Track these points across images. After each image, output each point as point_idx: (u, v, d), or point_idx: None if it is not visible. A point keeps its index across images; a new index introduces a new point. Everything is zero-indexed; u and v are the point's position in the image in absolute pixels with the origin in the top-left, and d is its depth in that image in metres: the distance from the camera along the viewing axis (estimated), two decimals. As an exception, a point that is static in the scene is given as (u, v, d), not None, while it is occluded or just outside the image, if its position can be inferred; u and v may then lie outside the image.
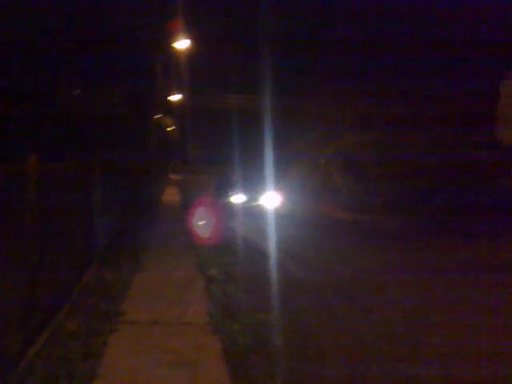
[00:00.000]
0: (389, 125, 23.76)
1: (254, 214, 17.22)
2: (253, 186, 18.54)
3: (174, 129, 54.29)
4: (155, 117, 35.36)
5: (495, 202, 16.11)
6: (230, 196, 18.47)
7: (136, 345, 5.20)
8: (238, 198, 18.18)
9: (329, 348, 5.74)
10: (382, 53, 30.61)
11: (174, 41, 28.46)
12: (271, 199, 17.81)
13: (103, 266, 8.13)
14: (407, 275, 9.75)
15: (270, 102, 33.04)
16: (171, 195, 25.74)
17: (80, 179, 7.26)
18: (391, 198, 18.99)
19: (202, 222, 14.39)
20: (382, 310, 7.28)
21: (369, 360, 5.41)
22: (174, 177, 42.98)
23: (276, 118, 30.31)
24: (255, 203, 18.01)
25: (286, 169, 23.39)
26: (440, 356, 5.54)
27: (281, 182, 20.59)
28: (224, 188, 19.34)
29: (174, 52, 30.45)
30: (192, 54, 31.95)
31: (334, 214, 20.35)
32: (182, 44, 28.67)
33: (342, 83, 28.73)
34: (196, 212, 16.11)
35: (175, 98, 44.07)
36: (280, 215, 17.01)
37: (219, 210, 18.57)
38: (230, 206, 18.15)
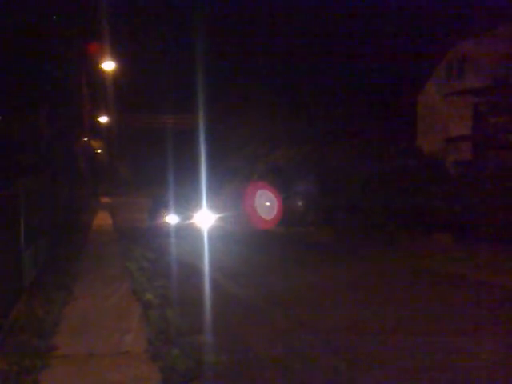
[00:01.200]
0: (317, 138, 24.43)
1: (188, 233, 17.21)
2: (187, 205, 18.38)
3: (102, 151, 53.09)
4: (83, 139, 34.50)
5: (416, 209, 17.02)
6: (164, 216, 18.24)
7: (70, 380, 5.01)
8: (172, 218, 17.96)
9: (270, 364, 5.79)
10: (309, 68, 31.50)
11: (100, 62, 28.14)
12: (205, 218, 17.96)
13: (33, 299, 7.77)
14: (338, 286, 10.07)
15: (201, 120, 33.14)
16: (103, 219, 25.05)
17: (3, 209, 6.95)
18: (321, 211, 19.52)
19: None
20: (316, 322, 7.44)
21: (311, 373, 5.51)
22: (105, 200, 41.89)
23: (208, 137, 30.42)
24: (189, 222, 17.93)
25: (220, 186, 23.63)
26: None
27: (215, 199, 20.57)
28: (158, 209, 19.03)
29: (101, 73, 30.05)
30: (119, 75, 31.63)
31: (268, 227, 20.63)
32: (108, 65, 28.42)
33: (271, 99, 29.34)
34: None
35: (103, 119, 43.26)
36: (214, 233, 17.29)
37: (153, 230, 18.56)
38: (164, 226, 17.97)
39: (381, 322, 7.40)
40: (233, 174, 27.62)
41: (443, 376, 5.49)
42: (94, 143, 43.80)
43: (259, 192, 23.92)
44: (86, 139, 35.41)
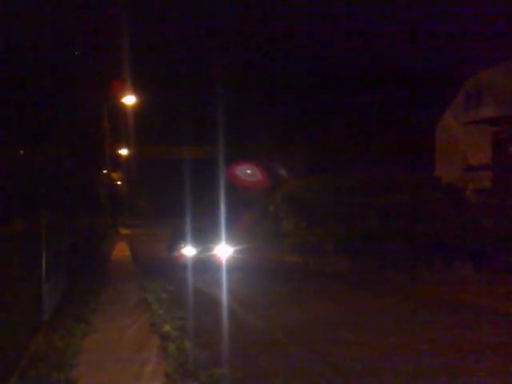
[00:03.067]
0: (334, 168, 24.46)
1: (205, 265, 16.87)
2: (204, 237, 18.24)
3: (122, 183, 53.76)
4: (104, 171, 35.06)
5: (436, 238, 16.83)
6: (181, 248, 17.90)
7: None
8: (189, 250, 17.65)
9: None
10: (324, 98, 31.77)
11: (121, 97, 28.94)
12: (224, 249, 17.57)
13: (52, 331, 7.81)
14: (358, 319, 9.93)
15: (218, 152, 33.46)
16: (122, 250, 25.20)
17: (25, 241, 7.06)
18: (339, 240, 19.37)
19: None
20: (337, 354, 7.33)
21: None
22: (124, 231, 42.19)
23: (224, 167, 30.66)
24: (208, 254, 17.58)
25: (236, 218, 23.58)
26: None
27: (232, 231, 20.39)
28: (177, 240, 18.75)
29: (121, 108, 30.81)
30: (139, 108, 32.34)
31: (285, 258, 20.53)
32: (129, 99, 29.24)
33: (288, 132, 29.57)
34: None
35: (123, 152, 43.99)
36: (232, 264, 17.05)
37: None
38: (181, 258, 17.71)
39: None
40: (249, 205, 27.67)
41: None
42: (113, 175, 44.46)
43: (276, 222, 23.96)
44: (106, 171, 35.97)
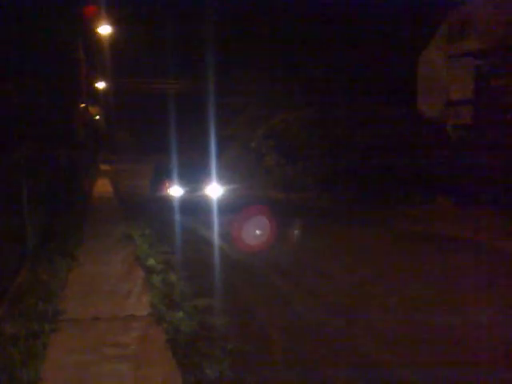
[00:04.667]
0: (316, 102, 24.21)
1: (195, 206, 15.56)
2: (193, 175, 16.81)
3: (101, 118, 52.73)
4: (81, 106, 34.21)
5: (417, 175, 17.07)
6: (167, 187, 16.57)
7: (78, 343, 5.14)
8: (176, 190, 16.26)
9: (271, 326, 5.92)
10: (307, 29, 30.96)
11: (97, 26, 27.74)
12: (214, 189, 16.44)
13: (37, 266, 7.87)
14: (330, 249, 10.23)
15: (198, 85, 32.70)
16: (103, 186, 25.12)
17: (5, 177, 6.97)
18: (321, 176, 19.53)
19: None
20: (319, 285, 7.58)
21: (310, 338, 5.64)
22: (104, 167, 41.87)
23: (206, 102, 30.11)
24: (197, 194, 16.24)
25: (219, 155, 23.11)
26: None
27: (218, 169, 19.32)
28: (161, 178, 17.37)
29: (97, 38, 29.64)
30: (116, 39, 31.17)
31: (268, 194, 20.68)
32: (105, 29, 28.05)
33: (270, 62, 28.90)
34: None
35: (101, 85, 42.80)
36: (225, 206, 15.78)
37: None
38: (167, 198, 16.38)
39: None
40: (230, 142, 27.44)
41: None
42: (91, 109, 43.46)
43: (258, 158, 23.89)
44: (83, 105, 35.12)
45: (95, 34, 28.83)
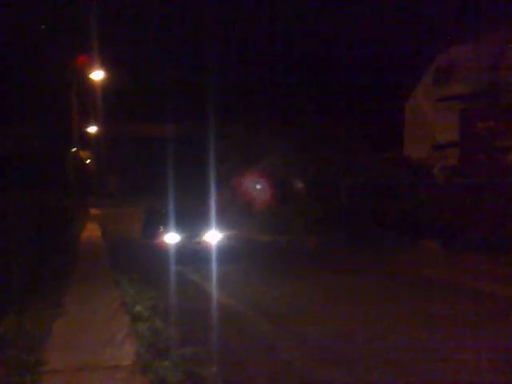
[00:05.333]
0: (303, 147, 24.53)
1: (193, 255, 14.53)
2: (190, 221, 15.54)
3: (92, 161, 52.93)
4: (72, 150, 34.38)
5: (404, 217, 17.16)
6: (161, 233, 15.18)
7: (60, 395, 4.98)
8: (172, 237, 14.79)
9: (260, 376, 5.80)
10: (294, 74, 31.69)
11: (89, 73, 28.23)
12: (214, 236, 15.06)
13: (21, 314, 7.71)
14: (326, 293, 10.12)
15: (186, 129, 33.04)
16: (92, 231, 24.95)
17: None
18: (309, 219, 19.56)
19: None
20: (305, 330, 7.48)
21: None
22: (94, 211, 41.69)
23: (198, 145, 30.38)
24: (195, 242, 14.92)
25: (209, 199, 22.89)
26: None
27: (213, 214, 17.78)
28: (153, 224, 16.18)
29: (89, 84, 30.10)
30: (108, 84, 31.68)
31: (257, 237, 20.63)
32: (97, 75, 28.53)
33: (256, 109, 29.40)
34: None
35: (92, 130, 43.16)
36: (225, 254, 14.76)
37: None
38: (163, 245, 14.91)
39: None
40: (218, 187, 27.51)
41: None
42: (82, 154, 43.64)
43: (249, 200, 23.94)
44: (74, 149, 35.29)
45: (88, 79, 29.30)
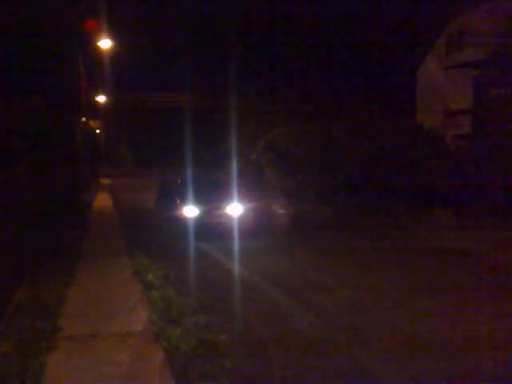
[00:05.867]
0: (315, 117, 24.27)
1: (214, 230, 13.29)
2: (211, 193, 14.31)
3: (101, 131, 52.89)
4: (82, 120, 34.34)
5: (416, 186, 17.02)
6: (178, 207, 13.84)
7: (76, 360, 5.08)
8: (190, 210, 13.41)
9: (270, 341, 5.87)
10: (306, 41, 31.20)
11: (98, 40, 27.87)
12: (236, 209, 13.78)
13: (35, 283, 7.84)
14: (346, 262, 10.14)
15: (197, 99, 32.79)
16: (104, 200, 25.08)
17: (5, 189, 6.96)
18: (321, 189, 19.45)
19: None
20: (317, 298, 7.53)
21: (311, 355, 5.59)
22: (105, 181, 41.87)
23: (206, 116, 30.19)
24: (217, 215, 13.60)
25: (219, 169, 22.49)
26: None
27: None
28: (169, 196, 14.97)
29: (97, 52, 29.79)
30: (117, 53, 31.35)
31: (268, 208, 20.54)
32: (106, 43, 28.15)
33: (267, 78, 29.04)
34: None
35: (101, 99, 42.97)
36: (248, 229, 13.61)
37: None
38: (182, 219, 13.52)
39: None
40: (230, 156, 27.35)
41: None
42: (92, 124, 43.63)
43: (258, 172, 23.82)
44: (84, 119, 35.24)
45: (96, 47, 28.99)
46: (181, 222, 13.48)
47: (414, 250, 11.45)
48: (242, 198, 14.27)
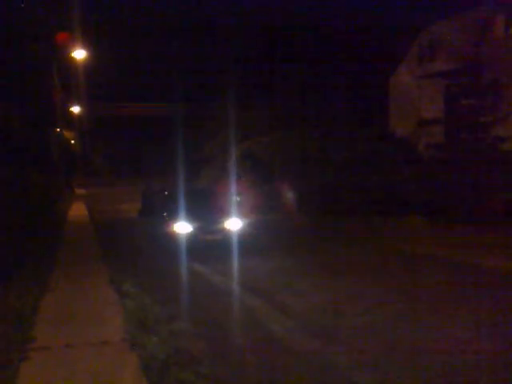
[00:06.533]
0: (289, 124, 24.50)
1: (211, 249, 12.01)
2: (204, 206, 12.86)
3: (76, 142, 52.38)
4: (56, 130, 34.01)
5: (389, 193, 17.31)
6: (168, 221, 12.36)
7: (50, 372, 5.01)
8: (183, 226, 11.89)
9: (245, 346, 5.89)
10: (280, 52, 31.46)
11: (71, 51, 27.83)
12: (234, 224, 12.38)
13: (8, 291, 7.71)
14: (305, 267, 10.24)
15: (175, 108, 32.76)
16: (78, 210, 24.82)
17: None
18: (298, 196, 19.62)
19: None
20: (293, 303, 7.58)
21: (288, 361, 5.63)
22: (80, 191, 41.40)
23: (183, 125, 30.17)
24: (213, 232, 12.16)
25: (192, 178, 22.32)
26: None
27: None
28: (156, 209, 13.72)
29: (71, 63, 29.68)
30: (90, 63, 31.24)
31: (245, 215, 20.60)
32: (79, 54, 28.17)
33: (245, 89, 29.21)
34: None
35: (75, 109, 42.63)
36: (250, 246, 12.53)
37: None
38: (173, 236, 12.02)
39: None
40: (207, 163, 27.41)
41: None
42: (66, 133, 43.20)
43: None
44: (58, 129, 34.89)
45: (69, 58, 28.87)
46: (171, 239, 11.97)
47: (384, 256, 11.64)
48: (240, 211, 13.30)
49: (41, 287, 8.24)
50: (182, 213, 11.98)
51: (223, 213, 12.66)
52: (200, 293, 8.48)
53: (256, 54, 32.53)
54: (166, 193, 14.23)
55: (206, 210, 12.66)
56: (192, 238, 11.78)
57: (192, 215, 12.04)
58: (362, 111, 26.30)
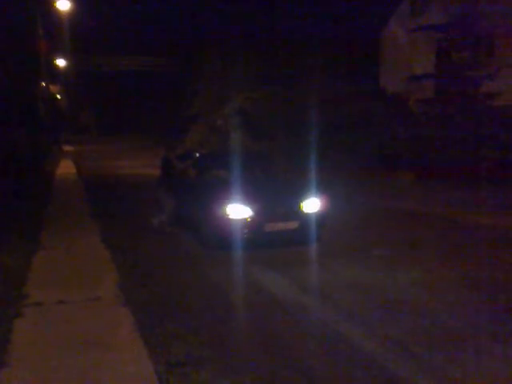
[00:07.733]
0: (282, 81, 24.19)
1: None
2: (266, 184, 9.13)
3: (62, 97, 51.39)
4: (42, 84, 33.27)
5: (380, 150, 17.33)
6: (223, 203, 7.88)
7: (43, 328, 5.06)
8: (238, 211, 7.74)
9: (235, 299, 5.98)
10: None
11: (55, 2, 26.98)
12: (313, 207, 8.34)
13: (-1, 250, 7.74)
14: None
15: (165, 63, 32.11)
16: (67, 168, 24.59)
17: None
18: (287, 153, 19.55)
19: None
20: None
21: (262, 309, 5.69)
22: (67, 148, 40.94)
23: (173, 81, 29.66)
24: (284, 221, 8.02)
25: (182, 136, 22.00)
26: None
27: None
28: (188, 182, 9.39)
29: (56, 14, 28.81)
30: (76, 15, 30.38)
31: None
32: (64, 5, 27.32)
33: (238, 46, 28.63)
34: None
35: (61, 63, 41.64)
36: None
37: None
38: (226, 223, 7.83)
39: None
40: (196, 119, 27.09)
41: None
42: (52, 88, 42.29)
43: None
44: (43, 84, 34.13)
45: (54, 9, 27.99)
46: (219, 225, 7.93)
47: (373, 212, 11.76)
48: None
49: (32, 243, 8.26)
50: (234, 191, 7.99)
51: (297, 190, 8.73)
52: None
53: (248, 8, 31.77)
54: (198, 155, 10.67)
55: (270, 185, 9.04)
56: (252, 228, 7.89)
57: (249, 193, 8.12)
58: (352, 66, 25.94)
